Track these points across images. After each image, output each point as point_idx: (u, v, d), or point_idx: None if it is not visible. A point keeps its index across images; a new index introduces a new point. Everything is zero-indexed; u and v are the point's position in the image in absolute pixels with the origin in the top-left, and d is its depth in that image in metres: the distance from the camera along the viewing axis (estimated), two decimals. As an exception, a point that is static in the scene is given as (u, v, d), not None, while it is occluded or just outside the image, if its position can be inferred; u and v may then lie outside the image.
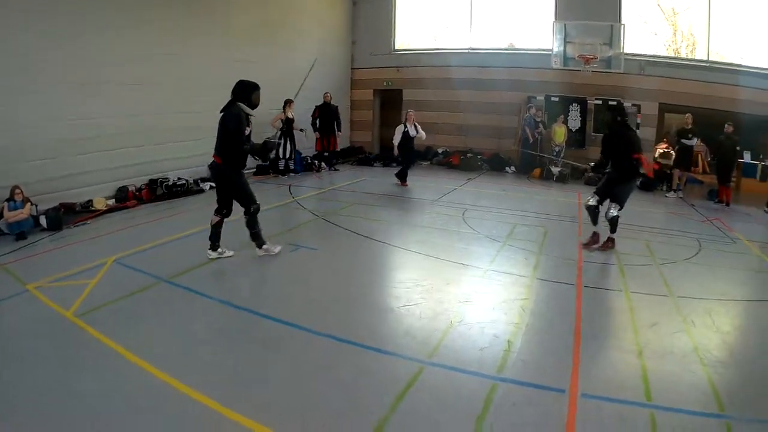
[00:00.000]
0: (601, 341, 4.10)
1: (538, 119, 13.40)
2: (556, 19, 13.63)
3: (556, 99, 13.88)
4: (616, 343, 4.08)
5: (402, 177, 10.92)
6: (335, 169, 12.40)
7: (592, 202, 6.85)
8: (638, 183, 7.39)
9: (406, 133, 10.64)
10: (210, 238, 5.64)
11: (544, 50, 14.11)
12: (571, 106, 13.94)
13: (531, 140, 13.28)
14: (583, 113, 14.00)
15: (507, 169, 14.04)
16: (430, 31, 15.34)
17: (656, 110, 13.80)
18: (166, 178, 8.86)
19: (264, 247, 5.81)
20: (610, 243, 6.72)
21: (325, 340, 3.87)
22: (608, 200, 6.68)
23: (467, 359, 3.65)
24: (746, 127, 12.12)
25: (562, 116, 13.61)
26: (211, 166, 5.56)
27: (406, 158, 10.88)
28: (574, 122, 13.95)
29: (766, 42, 13.36)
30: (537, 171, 13.28)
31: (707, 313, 4.68)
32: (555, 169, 13.09)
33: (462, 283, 5.24)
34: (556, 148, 13.30)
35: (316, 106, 11.97)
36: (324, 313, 4.36)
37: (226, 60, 10.31)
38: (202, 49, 9.96)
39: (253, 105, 5.45)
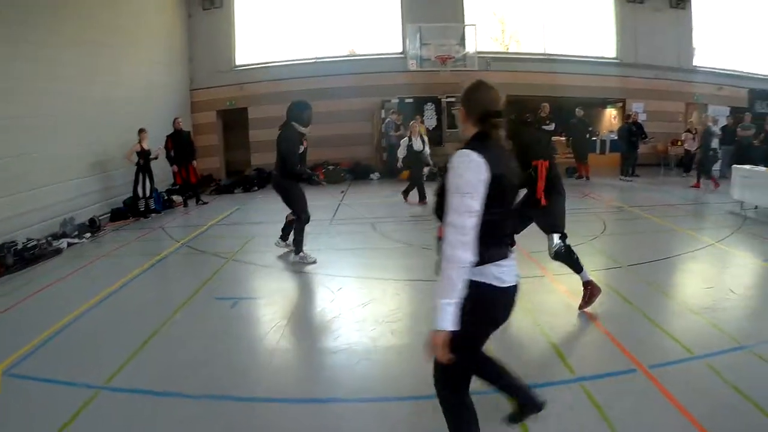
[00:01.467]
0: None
1: (399, 122, 13.94)
2: (402, 22, 14.50)
3: (411, 100, 14.61)
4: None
5: (421, 196, 10.25)
6: (203, 203, 11.33)
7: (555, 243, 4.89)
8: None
9: (410, 147, 10.26)
10: (282, 230, 6.86)
11: (392, 54, 14.88)
12: (425, 106, 14.81)
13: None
14: (438, 112, 14.98)
15: (371, 176, 14.39)
16: (272, 44, 14.88)
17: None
18: (13, 242, 7.39)
19: (300, 255, 6.42)
20: (589, 292, 4.78)
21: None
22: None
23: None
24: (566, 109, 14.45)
25: (419, 116, 14.36)
26: (272, 176, 6.86)
27: (415, 176, 10.42)
28: (430, 121, 14.82)
29: (594, 33, 15.92)
30: (405, 173, 13.76)
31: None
32: (426, 169, 13.75)
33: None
34: None
35: (167, 136, 10.82)
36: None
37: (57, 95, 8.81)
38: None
39: (306, 124, 6.37)
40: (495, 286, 2.17)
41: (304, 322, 4.79)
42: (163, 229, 8.84)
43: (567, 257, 4.79)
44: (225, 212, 10.21)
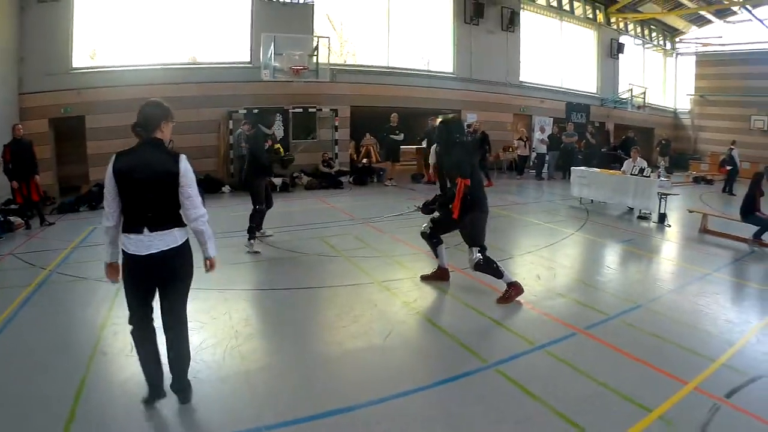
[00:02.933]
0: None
1: (249, 133, 14.52)
2: (252, 32, 15.08)
3: (256, 111, 15.17)
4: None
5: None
6: (48, 223, 10.59)
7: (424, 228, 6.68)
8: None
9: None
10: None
11: (240, 64, 15.40)
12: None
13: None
14: (285, 122, 15.82)
15: (223, 189, 14.79)
16: (115, 46, 14.43)
17: (348, 113, 16.72)
18: None
19: (250, 241, 8.26)
20: (513, 292, 6.08)
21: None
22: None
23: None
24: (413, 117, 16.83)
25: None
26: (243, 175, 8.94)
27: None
28: (278, 131, 15.62)
29: (435, 50, 17.92)
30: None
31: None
32: (277, 180, 14.58)
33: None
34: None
35: (4, 146, 10.09)
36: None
37: None
38: None
39: (269, 126, 9.20)
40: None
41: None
42: (15, 256, 8.32)
43: (487, 267, 6.03)
44: (81, 233, 9.83)
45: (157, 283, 3.72)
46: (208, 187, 14.14)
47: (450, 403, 4.00)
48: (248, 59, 15.40)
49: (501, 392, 4.16)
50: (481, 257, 6.01)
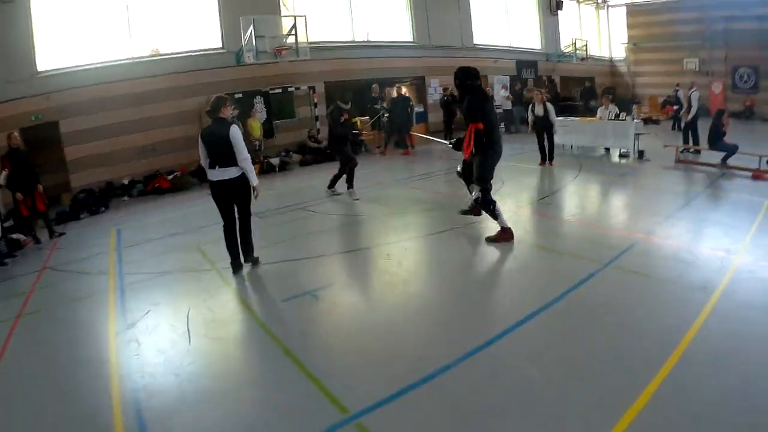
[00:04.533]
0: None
1: (235, 115, 14.23)
2: (220, 17, 14.74)
3: (240, 95, 14.92)
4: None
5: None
6: (58, 234, 10.02)
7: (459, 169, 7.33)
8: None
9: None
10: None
11: (213, 50, 15.01)
12: (255, 100, 15.33)
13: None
14: (267, 104, 15.64)
15: None
16: (79, 44, 13.43)
17: (323, 89, 16.69)
18: None
19: (350, 190, 10.43)
20: (504, 235, 6.86)
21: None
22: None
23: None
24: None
25: (253, 110, 14.95)
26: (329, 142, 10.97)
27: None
28: (261, 114, 15.42)
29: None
30: (256, 168, 14.20)
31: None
32: (275, 160, 14.51)
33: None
34: (257, 143, 14.52)
35: (2, 157, 9.48)
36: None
37: None
38: None
39: (347, 102, 10.44)
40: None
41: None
42: (54, 269, 7.81)
43: (485, 206, 6.77)
44: (105, 236, 9.46)
45: (229, 199, 6.30)
46: (204, 176, 13.46)
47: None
48: (220, 45, 15.02)
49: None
50: (480, 195, 6.69)
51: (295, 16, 13.88)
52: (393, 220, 8.75)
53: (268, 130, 15.43)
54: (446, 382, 3.87)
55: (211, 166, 6.15)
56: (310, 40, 14.09)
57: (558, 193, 10.54)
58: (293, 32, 13.77)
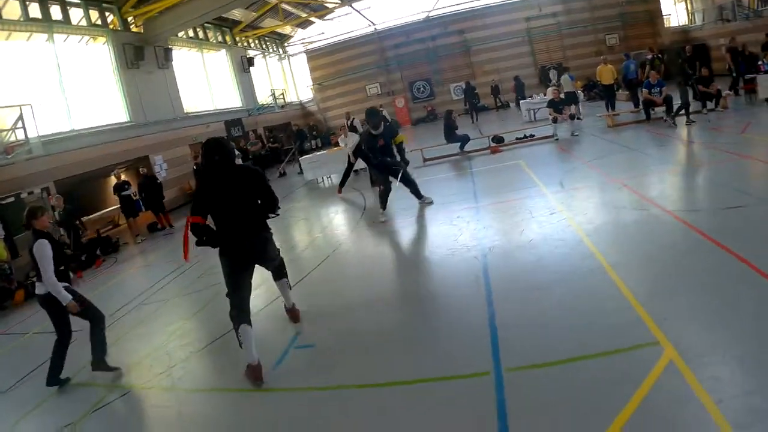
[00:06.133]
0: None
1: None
2: None
3: None
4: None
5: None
6: None
7: None
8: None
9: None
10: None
11: None
12: None
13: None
14: (1, 219, 13.59)
15: None
16: None
17: (55, 190, 15.32)
18: None
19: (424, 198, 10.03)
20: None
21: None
22: None
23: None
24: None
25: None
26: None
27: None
28: None
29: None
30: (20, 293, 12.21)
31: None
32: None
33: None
34: (6, 266, 12.82)
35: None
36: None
37: None
38: None
39: (376, 127, 9.46)
40: None
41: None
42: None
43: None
44: None
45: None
46: None
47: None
48: None
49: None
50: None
51: (20, 106, 12.75)
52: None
53: (12, 249, 13.61)
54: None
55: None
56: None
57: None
58: (20, 125, 12.60)
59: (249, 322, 4.78)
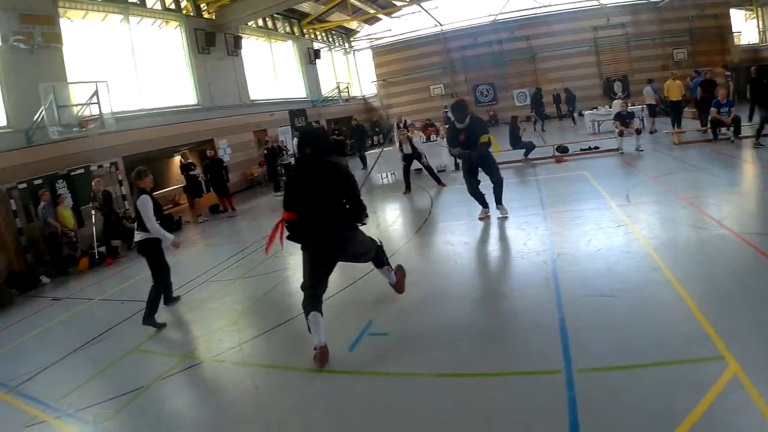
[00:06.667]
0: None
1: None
2: (3, 89, 13.06)
3: (40, 181, 13.31)
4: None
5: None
6: None
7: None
8: None
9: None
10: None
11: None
12: (57, 185, 13.70)
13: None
14: (71, 189, 14.04)
15: (42, 279, 12.35)
16: None
17: (123, 165, 15.97)
18: None
19: (502, 207, 9.32)
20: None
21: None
22: None
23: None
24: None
25: (60, 196, 13.37)
26: None
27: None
28: (69, 200, 13.98)
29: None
30: (84, 261, 12.54)
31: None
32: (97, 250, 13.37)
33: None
34: (72, 234, 13.26)
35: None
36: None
37: None
38: None
39: (462, 121, 8.97)
40: None
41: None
42: None
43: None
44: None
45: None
46: (23, 284, 11.43)
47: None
48: (4, 123, 13.19)
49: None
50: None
51: (96, 82, 13.30)
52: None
53: (78, 218, 14.06)
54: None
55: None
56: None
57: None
58: (95, 100, 13.12)
59: (320, 310, 4.91)
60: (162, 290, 6.89)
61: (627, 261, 6.08)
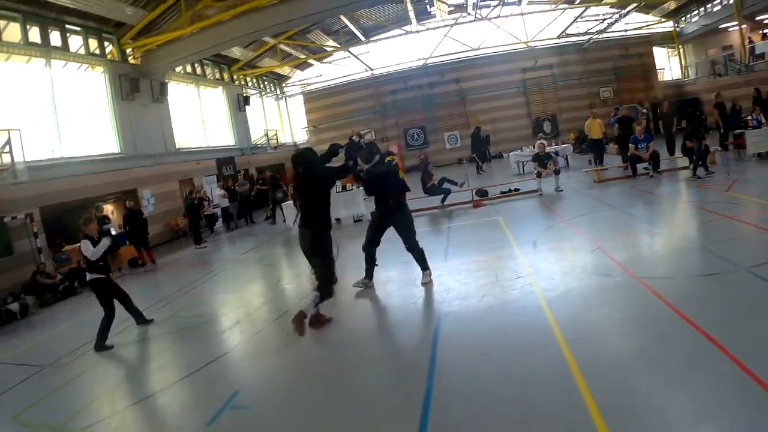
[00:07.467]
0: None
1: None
2: None
3: None
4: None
5: None
6: None
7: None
8: None
9: None
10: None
11: None
12: None
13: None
14: None
15: None
16: None
17: (39, 216, 15.27)
18: None
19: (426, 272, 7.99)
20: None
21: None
22: None
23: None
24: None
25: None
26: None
27: None
28: None
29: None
30: None
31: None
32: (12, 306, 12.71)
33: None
34: None
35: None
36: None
37: None
38: None
39: None
40: None
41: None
42: None
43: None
44: None
45: None
46: None
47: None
48: None
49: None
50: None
51: (9, 130, 12.84)
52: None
53: None
54: None
55: None
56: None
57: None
58: (7, 149, 12.70)
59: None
60: (110, 321, 7.88)
61: (517, 319, 5.93)
